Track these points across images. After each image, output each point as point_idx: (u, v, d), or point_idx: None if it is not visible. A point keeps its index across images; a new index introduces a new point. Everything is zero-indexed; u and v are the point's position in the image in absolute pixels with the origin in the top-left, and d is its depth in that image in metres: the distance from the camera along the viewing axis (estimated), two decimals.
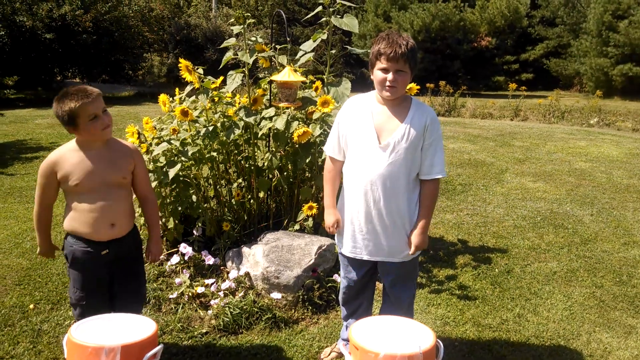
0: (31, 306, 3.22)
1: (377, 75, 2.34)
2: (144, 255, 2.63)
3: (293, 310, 3.26)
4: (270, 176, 3.88)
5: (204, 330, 3.01)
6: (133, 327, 2.25)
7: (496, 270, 3.94)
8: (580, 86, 22.27)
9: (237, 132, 3.46)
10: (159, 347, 2.15)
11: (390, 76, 2.29)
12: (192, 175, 3.68)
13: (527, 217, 5.05)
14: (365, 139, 2.40)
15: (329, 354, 2.82)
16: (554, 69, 23.12)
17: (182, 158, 3.38)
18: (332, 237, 3.77)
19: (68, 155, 2.33)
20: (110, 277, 2.46)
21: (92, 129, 2.27)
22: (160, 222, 3.67)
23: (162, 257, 3.69)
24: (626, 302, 3.52)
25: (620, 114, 13.21)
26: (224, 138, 3.50)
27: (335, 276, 3.45)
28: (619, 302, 3.52)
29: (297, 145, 3.58)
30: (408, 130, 2.36)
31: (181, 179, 3.55)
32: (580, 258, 4.18)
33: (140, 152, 2.55)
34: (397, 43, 2.26)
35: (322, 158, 3.47)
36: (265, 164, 3.75)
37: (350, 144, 2.47)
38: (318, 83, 3.68)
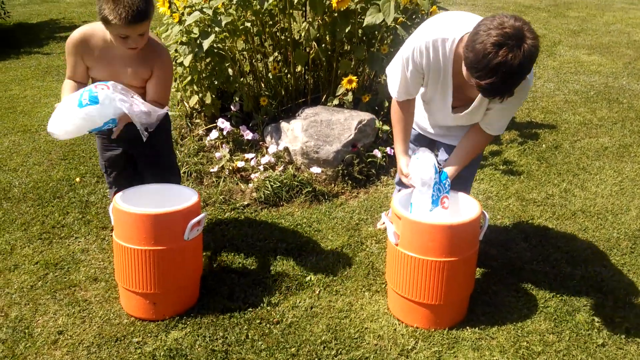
0: (77, 179, 3.30)
1: None
2: None
3: (333, 185, 3.25)
4: (308, 49, 3.70)
5: (246, 203, 3.05)
6: (177, 196, 2.27)
7: (543, 145, 3.79)
8: None
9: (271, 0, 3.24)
10: (203, 215, 2.17)
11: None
12: (226, 48, 3.54)
13: (579, 92, 4.77)
14: (439, 102, 2.13)
15: (383, 222, 2.76)
16: None
17: (216, 29, 3.21)
18: (373, 111, 3.66)
19: (94, 42, 2.19)
20: (129, 154, 2.49)
21: (119, 42, 2.10)
22: (197, 98, 3.61)
23: (201, 132, 3.67)
24: None
25: None
26: (257, 6, 3.29)
27: (376, 151, 3.38)
28: None
29: (335, 14, 3.35)
30: (485, 103, 2.03)
31: (215, 51, 3.41)
32: (634, 133, 3.97)
33: (168, 56, 2.31)
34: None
35: (365, 25, 3.24)
36: (302, 34, 3.56)
37: (422, 96, 2.20)
38: None
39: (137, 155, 2.52)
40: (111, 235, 2.32)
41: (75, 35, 2.21)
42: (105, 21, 2.02)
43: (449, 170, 2.18)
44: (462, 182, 2.30)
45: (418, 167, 2.11)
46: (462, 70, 1.84)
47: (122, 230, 2.12)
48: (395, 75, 2.12)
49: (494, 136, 2.21)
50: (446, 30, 1.93)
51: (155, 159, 2.51)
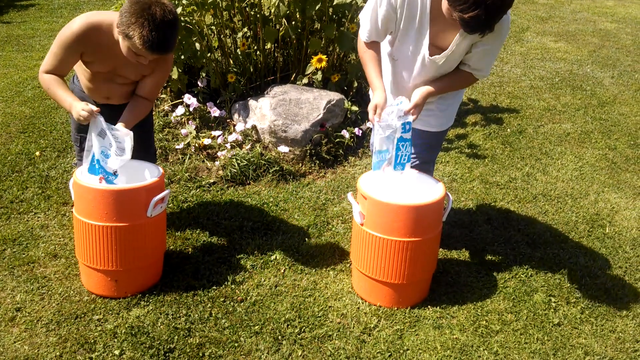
0: (37, 153, 3.20)
1: None
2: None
3: (300, 164, 3.24)
4: (277, 26, 3.65)
5: (212, 181, 3.01)
6: (140, 172, 2.23)
7: (508, 130, 3.85)
8: None
9: None
10: (166, 192, 2.14)
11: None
12: (194, 22, 3.46)
13: (544, 78, 4.85)
14: (414, 47, 2.05)
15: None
16: None
17: (183, 1, 3.13)
18: (342, 92, 3.65)
19: (102, 37, 2.02)
20: None
21: (130, 55, 1.97)
22: None
23: (166, 107, 3.60)
24: (638, 165, 3.47)
25: None
26: None
27: (344, 132, 3.38)
28: (630, 165, 3.47)
29: None
30: (462, 46, 2.00)
31: (183, 24, 3.33)
32: (595, 120, 4.07)
33: (171, 60, 2.22)
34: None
35: (335, 4, 3.21)
36: (272, 11, 3.50)
37: (396, 41, 2.10)
38: None
39: None
40: (72, 211, 2.27)
41: (78, 27, 1.98)
42: (128, 38, 1.90)
43: (424, 89, 2.07)
44: (424, 166, 2.31)
45: (391, 114, 2.06)
46: (443, 7, 1.83)
47: (83, 206, 2.07)
48: (366, 16, 2.07)
49: (476, 78, 2.14)
50: None
51: (135, 137, 2.37)
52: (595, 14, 7.36)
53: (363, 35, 2.12)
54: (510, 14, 1.98)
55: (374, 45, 2.14)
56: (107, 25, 2.01)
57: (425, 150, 2.31)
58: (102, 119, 2.03)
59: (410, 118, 2.06)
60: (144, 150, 2.33)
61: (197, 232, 2.59)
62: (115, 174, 2.08)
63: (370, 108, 2.09)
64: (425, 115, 2.23)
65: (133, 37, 1.88)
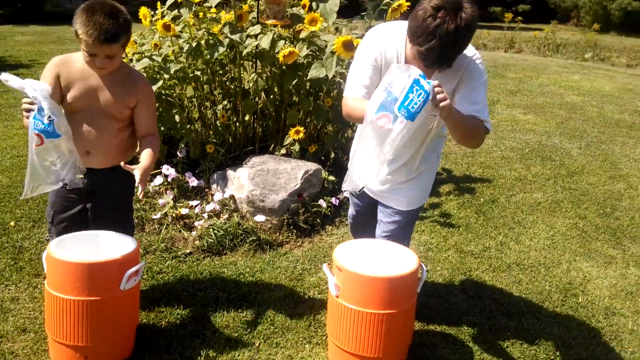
0: (12, 223, 3.17)
1: None
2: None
3: (278, 234, 3.25)
4: (256, 99, 3.77)
5: (188, 251, 3.01)
6: (114, 244, 2.22)
7: (481, 199, 3.94)
8: (577, 20, 21.74)
9: (222, 50, 3.31)
10: (141, 264, 2.13)
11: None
12: (175, 95, 3.56)
13: (515, 149, 5.03)
14: None
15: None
16: (552, 1, 22.46)
17: (165, 75, 3.24)
18: (319, 162, 3.73)
19: (74, 63, 2.15)
20: (85, 208, 2.31)
21: (86, 58, 2.08)
22: None
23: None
24: (608, 234, 3.56)
25: (616, 50, 12.99)
26: (208, 56, 3.35)
27: (321, 201, 3.43)
28: (600, 233, 3.56)
29: (283, 67, 3.45)
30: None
31: (163, 97, 3.43)
32: (565, 190, 4.20)
33: (149, 84, 2.28)
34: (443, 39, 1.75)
35: (309, 78, 3.34)
36: (251, 85, 3.63)
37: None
38: (305, 0, 3.50)
39: (93, 208, 2.32)
40: (43, 283, 2.23)
41: (56, 57, 2.19)
42: (76, 34, 2.03)
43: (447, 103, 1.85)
44: (399, 240, 2.33)
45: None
46: (407, 50, 1.92)
47: (55, 279, 2.04)
48: (349, 76, 2.10)
49: (487, 128, 2.06)
50: (396, 23, 2.07)
51: (112, 215, 2.33)
52: (562, 87, 7.73)
53: (346, 92, 2.11)
54: (484, 64, 2.07)
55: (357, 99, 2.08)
56: (77, 56, 2.15)
57: (398, 229, 2.34)
58: (46, 103, 1.95)
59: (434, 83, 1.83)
60: (117, 225, 2.29)
61: (172, 304, 2.56)
62: (50, 120, 1.96)
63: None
64: (398, 194, 2.28)
65: (78, 29, 2.00)
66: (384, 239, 2.36)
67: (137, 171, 2.09)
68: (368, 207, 2.47)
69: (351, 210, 2.63)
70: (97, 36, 1.98)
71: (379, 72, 2.05)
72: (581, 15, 21.09)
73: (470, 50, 2.01)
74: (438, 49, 1.79)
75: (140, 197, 2.11)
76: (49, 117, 1.93)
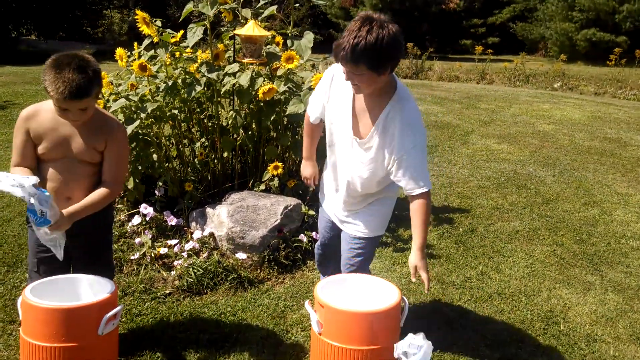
0: None
1: None
2: None
3: (259, 271, 3.23)
4: (235, 135, 3.78)
5: (167, 291, 2.96)
6: (91, 288, 2.18)
7: (460, 229, 3.98)
8: (545, 51, 22.48)
9: (199, 89, 3.33)
10: (119, 308, 2.09)
11: (348, 76, 2.03)
12: (152, 134, 3.55)
13: (491, 178, 5.11)
14: (343, 126, 2.21)
15: None
16: (520, 33, 23.24)
17: (141, 115, 3.24)
18: (298, 197, 3.74)
19: (43, 114, 2.13)
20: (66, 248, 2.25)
21: (59, 113, 2.07)
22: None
23: (123, 217, 3.59)
24: (585, 260, 3.61)
25: (583, 79, 13.40)
26: (185, 95, 3.37)
27: (302, 236, 3.42)
28: (578, 260, 3.60)
29: (261, 103, 3.49)
30: (378, 133, 2.13)
31: (141, 137, 3.42)
32: (541, 217, 4.26)
33: (123, 132, 2.27)
34: (347, 42, 1.90)
35: (287, 114, 3.38)
36: (229, 122, 3.65)
37: (328, 122, 2.30)
38: (279, 38, 3.56)
39: (73, 250, 2.29)
40: (19, 330, 2.17)
41: (25, 109, 2.18)
42: (46, 90, 2.00)
43: (419, 246, 2.19)
44: (359, 270, 2.40)
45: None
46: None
47: (30, 326, 1.99)
48: (312, 98, 2.39)
49: (427, 193, 2.18)
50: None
51: (92, 256, 2.33)
52: (534, 116, 7.92)
53: (308, 110, 2.43)
54: (421, 114, 2.18)
55: (313, 124, 2.43)
56: (48, 105, 2.14)
57: (356, 257, 2.41)
58: (34, 200, 1.98)
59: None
60: (96, 265, 2.27)
61: (152, 347, 2.50)
62: (42, 213, 2.00)
63: (304, 179, 2.59)
64: (353, 219, 2.38)
65: (47, 87, 1.98)
66: (346, 271, 2.43)
67: (63, 211, 2.07)
68: (334, 238, 2.56)
69: (319, 241, 2.70)
70: (68, 93, 1.96)
71: (326, 95, 2.27)
72: (548, 46, 21.82)
73: (409, 107, 2.11)
74: (346, 47, 1.90)
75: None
76: (41, 211, 2.00)
